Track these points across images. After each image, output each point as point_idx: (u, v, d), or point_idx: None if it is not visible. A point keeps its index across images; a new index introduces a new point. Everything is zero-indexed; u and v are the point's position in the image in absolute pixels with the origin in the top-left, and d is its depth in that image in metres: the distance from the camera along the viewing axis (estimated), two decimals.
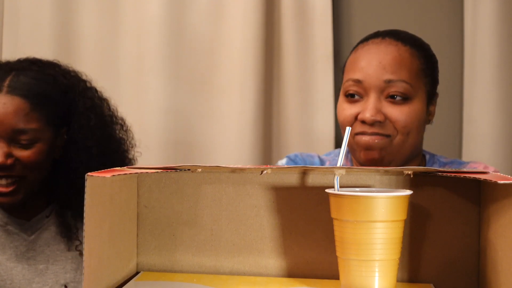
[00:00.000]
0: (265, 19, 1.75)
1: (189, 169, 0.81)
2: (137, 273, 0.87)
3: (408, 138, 1.18)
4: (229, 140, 1.76)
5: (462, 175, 0.71)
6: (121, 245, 0.82)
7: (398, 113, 1.16)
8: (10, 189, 1.18)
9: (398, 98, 1.16)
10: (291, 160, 1.38)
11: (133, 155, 1.36)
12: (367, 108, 1.16)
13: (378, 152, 1.17)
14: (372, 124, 1.16)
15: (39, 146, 1.20)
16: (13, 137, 1.17)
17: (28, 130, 1.18)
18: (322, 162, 1.36)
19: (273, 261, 0.86)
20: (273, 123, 1.81)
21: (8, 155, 1.17)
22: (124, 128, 1.34)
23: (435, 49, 1.28)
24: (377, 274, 0.71)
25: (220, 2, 1.78)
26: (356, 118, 1.18)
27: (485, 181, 0.67)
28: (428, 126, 1.26)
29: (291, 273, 0.85)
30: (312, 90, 1.76)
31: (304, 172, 0.85)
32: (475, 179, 0.70)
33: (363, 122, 1.17)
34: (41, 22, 1.78)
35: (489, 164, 1.62)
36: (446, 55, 1.75)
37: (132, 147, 1.35)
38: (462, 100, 1.74)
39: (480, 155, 1.68)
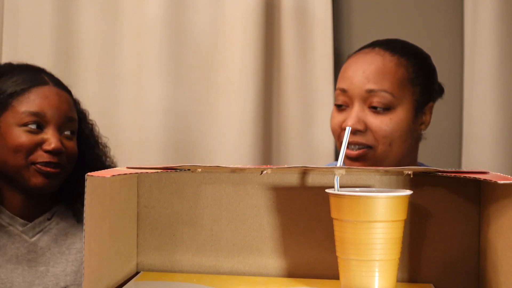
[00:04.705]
0: (265, 19, 1.75)
1: (189, 169, 0.81)
2: (137, 273, 0.87)
3: (392, 149, 1.18)
4: (229, 140, 1.76)
5: (462, 175, 0.71)
6: (121, 245, 0.82)
7: (378, 122, 1.17)
8: (57, 170, 1.21)
9: (379, 108, 1.17)
10: None
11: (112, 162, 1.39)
12: (350, 117, 1.18)
13: (361, 164, 1.18)
14: (353, 133, 1.17)
15: (75, 140, 1.26)
16: (63, 124, 1.22)
17: (75, 120, 1.26)
18: None
19: (273, 261, 0.86)
20: (273, 123, 1.80)
21: (61, 142, 1.21)
22: (101, 142, 1.38)
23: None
24: (377, 274, 0.71)
25: (220, 2, 1.78)
26: (341, 126, 1.20)
27: (485, 181, 0.67)
28: (428, 128, 1.26)
29: (291, 273, 0.85)
30: (312, 90, 1.76)
31: (304, 172, 0.85)
32: (475, 179, 0.70)
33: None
34: (41, 23, 1.78)
35: (490, 164, 1.62)
36: (446, 55, 1.75)
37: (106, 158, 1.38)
38: (462, 100, 1.74)
39: (480, 156, 1.67)
